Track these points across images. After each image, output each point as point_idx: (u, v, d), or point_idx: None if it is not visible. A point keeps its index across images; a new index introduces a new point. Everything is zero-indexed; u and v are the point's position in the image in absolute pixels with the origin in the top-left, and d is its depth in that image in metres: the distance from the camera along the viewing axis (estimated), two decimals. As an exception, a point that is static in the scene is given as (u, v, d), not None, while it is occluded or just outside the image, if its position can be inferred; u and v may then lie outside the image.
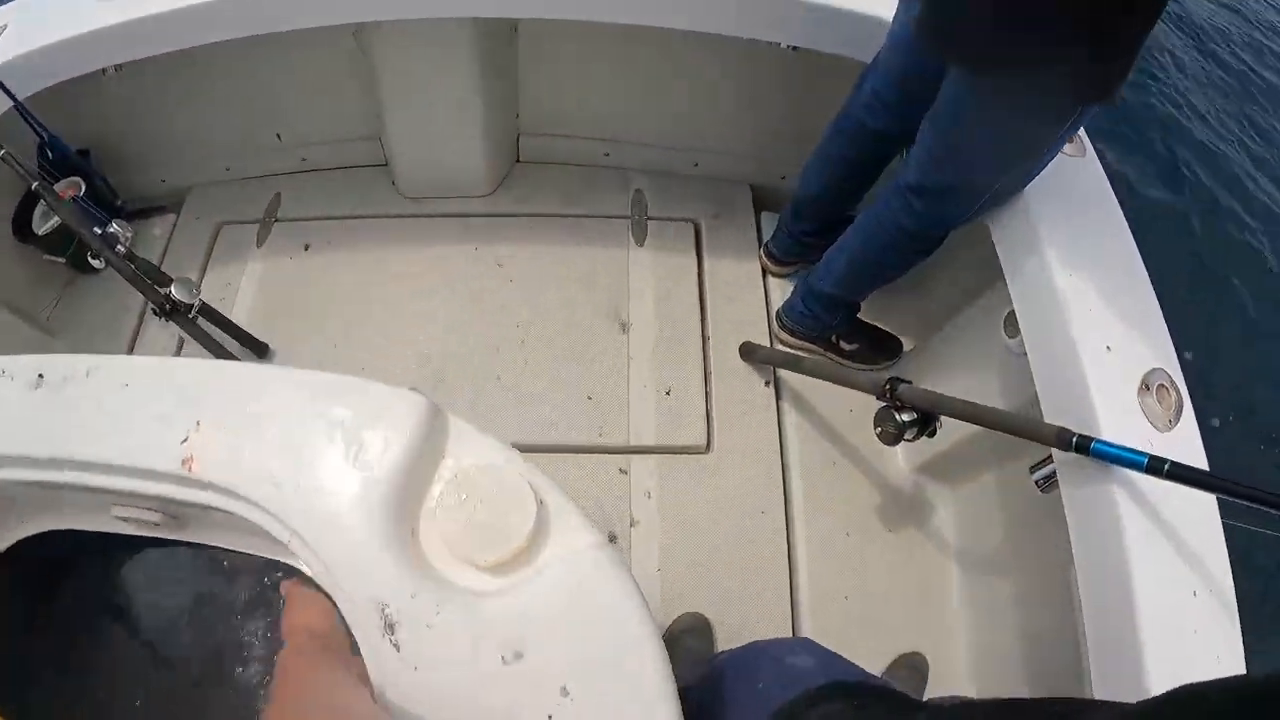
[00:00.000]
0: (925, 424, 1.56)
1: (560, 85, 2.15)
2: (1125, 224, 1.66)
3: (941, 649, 1.87)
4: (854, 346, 2.10)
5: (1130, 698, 1.11)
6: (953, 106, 1.51)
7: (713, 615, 1.78)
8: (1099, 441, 1.23)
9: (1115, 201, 1.69)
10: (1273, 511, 1.09)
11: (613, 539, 1.82)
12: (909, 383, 1.57)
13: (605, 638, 0.75)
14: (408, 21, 1.71)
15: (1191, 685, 0.55)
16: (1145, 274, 1.58)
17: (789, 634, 1.81)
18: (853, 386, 1.73)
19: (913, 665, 1.81)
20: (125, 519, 0.87)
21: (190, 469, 0.79)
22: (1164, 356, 1.47)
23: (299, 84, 2.05)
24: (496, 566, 0.77)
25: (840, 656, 1.14)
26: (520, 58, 2.09)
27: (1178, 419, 1.41)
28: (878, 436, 1.60)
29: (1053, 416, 1.47)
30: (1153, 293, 1.56)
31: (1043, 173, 1.56)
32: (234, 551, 0.88)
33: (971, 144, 1.54)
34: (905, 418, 1.55)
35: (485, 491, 0.80)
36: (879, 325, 2.16)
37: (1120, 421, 1.35)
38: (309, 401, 0.83)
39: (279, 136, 2.18)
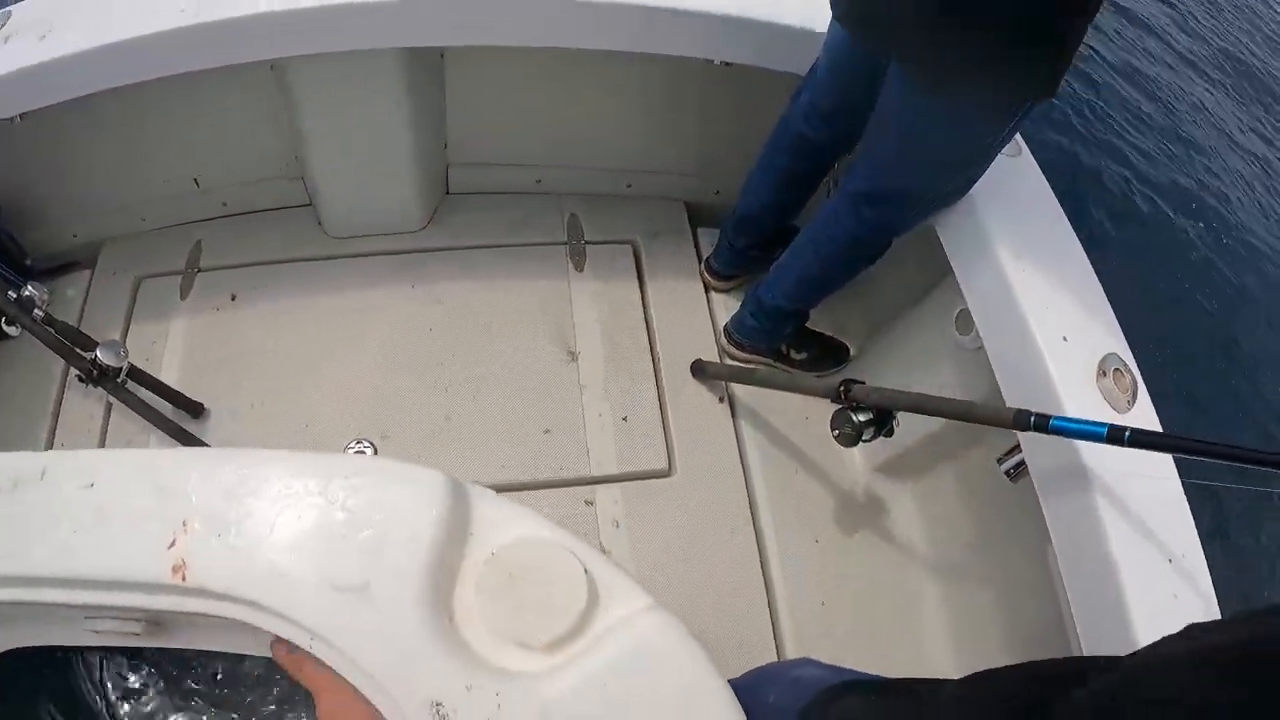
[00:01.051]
0: (882, 422, 1.58)
1: (488, 113, 2.10)
2: (1065, 219, 1.71)
3: (926, 643, 1.90)
4: (804, 355, 2.12)
5: None
6: (896, 112, 1.52)
7: (694, 635, 1.77)
8: (1057, 418, 1.27)
9: (1054, 199, 1.74)
10: (1227, 463, 1.14)
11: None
12: (862, 383, 1.59)
13: (677, 700, 0.74)
14: (327, 55, 1.65)
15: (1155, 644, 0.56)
16: (1089, 265, 1.64)
17: (773, 649, 1.82)
18: (807, 393, 1.74)
19: None
20: (102, 631, 0.79)
21: (183, 577, 0.72)
22: (1117, 342, 1.53)
23: (215, 126, 1.96)
24: (552, 645, 0.73)
25: (845, 668, 1.14)
26: (447, 87, 2.03)
27: (1135, 399, 1.47)
28: (836, 439, 1.61)
29: (1016, 405, 1.51)
30: (1098, 283, 1.62)
31: (990, 178, 1.59)
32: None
33: (917, 149, 1.56)
34: (861, 418, 1.57)
35: (529, 568, 0.76)
36: (825, 332, 2.17)
37: (1082, 406, 1.40)
38: (316, 488, 0.76)
39: (196, 182, 2.08)
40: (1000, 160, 1.60)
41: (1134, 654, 0.56)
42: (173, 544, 0.73)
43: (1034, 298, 1.53)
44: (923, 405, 1.49)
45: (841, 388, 1.58)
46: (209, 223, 2.14)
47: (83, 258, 2.11)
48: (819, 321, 2.14)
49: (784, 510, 1.97)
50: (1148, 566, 1.29)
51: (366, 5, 1.55)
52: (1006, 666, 0.78)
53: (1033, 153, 1.81)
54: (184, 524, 0.74)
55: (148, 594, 0.73)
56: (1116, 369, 1.49)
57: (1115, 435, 1.19)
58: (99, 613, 0.77)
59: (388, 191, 2.08)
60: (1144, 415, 1.46)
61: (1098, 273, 1.64)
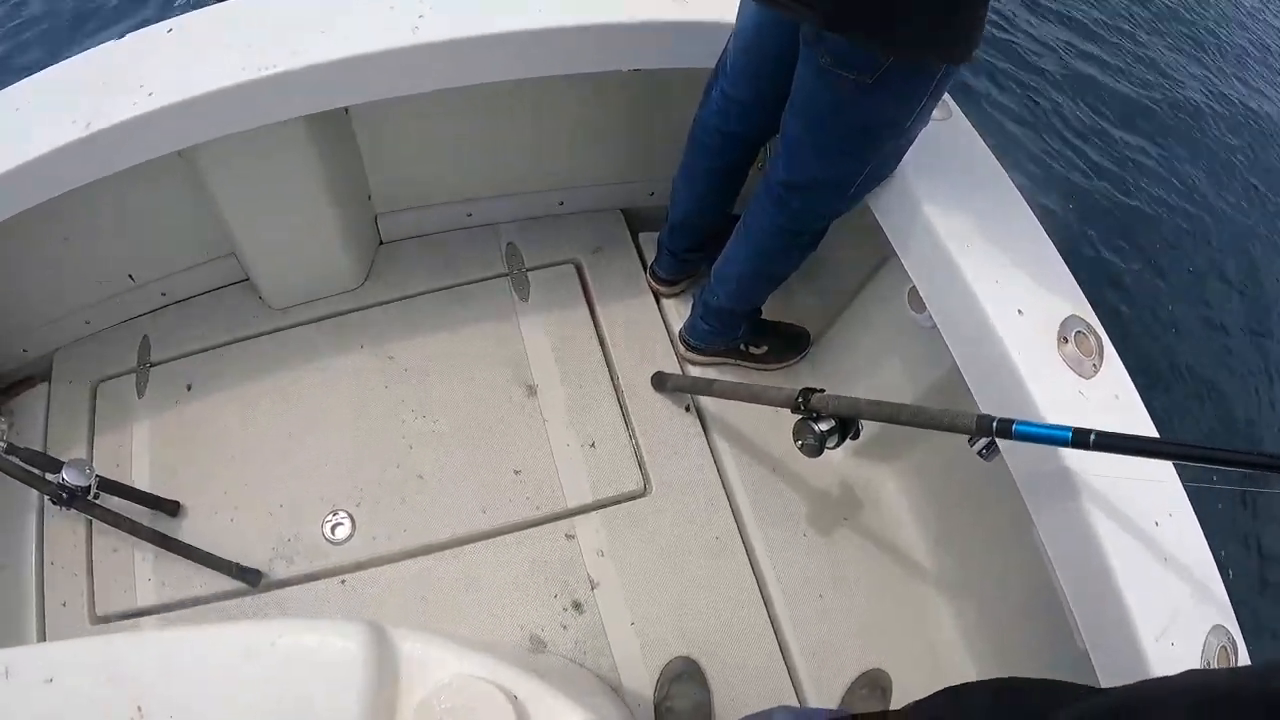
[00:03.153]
0: (845, 429, 1.55)
1: (405, 156, 2.06)
2: (1007, 179, 1.67)
3: (930, 622, 1.93)
4: (764, 349, 2.10)
5: (1119, 642, 1.21)
6: (808, 95, 1.47)
7: (699, 652, 1.80)
8: (1020, 424, 1.24)
9: (993, 159, 1.69)
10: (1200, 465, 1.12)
11: (577, 607, 1.81)
12: (821, 390, 1.57)
13: None
14: (231, 135, 1.62)
15: (1157, 680, 0.56)
16: (1038, 226, 1.61)
17: (777, 653, 1.84)
18: (767, 403, 1.72)
19: (875, 684, 1.85)
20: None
21: None
22: (1076, 303, 1.50)
23: (139, 220, 1.94)
24: None
25: (817, 710, 1.15)
26: (359, 140, 2.00)
27: (1102, 361, 1.45)
28: (800, 450, 1.59)
29: (978, 388, 1.50)
30: (1050, 243, 1.58)
31: (915, 143, 1.54)
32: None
33: (834, 131, 1.51)
34: (823, 427, 1.54)
35: (457, 710, 0.78)
36: (783, 321, 2.15)
37: (1046, 380, 1.39)
38: (253, 659, 0.79)
39: (132, 277, 2.07)
40: (931, 126, 1.55)
41: (1124, 686, 0.56)
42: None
43: (982, 271, 1.49)
44: (883, 414, 1.47)
45: (800, 399, 1.56)
46: (153, 315, 2.14)
47: (38, 371, 2.11)
48: (776, 308, 2.11)
49: (767, 509, 1.97)
50: (1136, 533, 1.29)
51: (257, 82, 1.52)
52: (980, 684, 0.79)
53: (965, 111, 1.76)
54: (138, 709, 0.78)
55: None
56: (1079, 331, 1.46)
57: (1080, 439, 1.16)
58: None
59: (320, 255, 2.06)
60: (1114, 377, 1.45)
61: (1051, 230, 1.60)
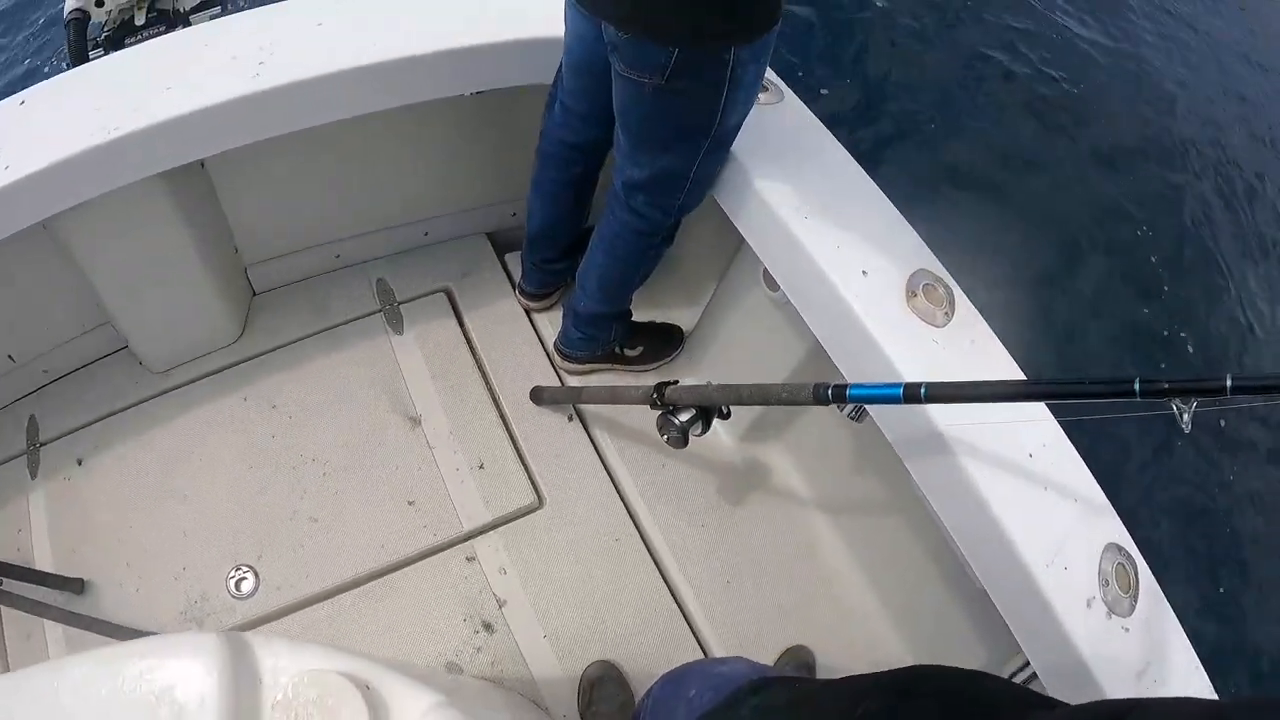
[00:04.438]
0: (706, 416, 1.61)
1: (267, 205, 2.08)
2: (841, 148, 1.73)
3: (838, 591, 2.01)
4: (638, 349, 2.15)
5: (1012, 575, 1.32)
6: (622, 102, 1.53)
7: (616, 654, 1.86)
8: (854, 387, 1.31)
9: (826, 131, 1.75)
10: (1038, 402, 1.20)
11: (488, 627, 1.87)
12: (675, 382, 1.63)
13: None
14: (88, 202, 1.64)
15: (1133, 701, 0.59)
16: (875, 188, 1.67)
17: (693, 643, 1.90)
18: (628, 403, 1.78)
19: (800, 661, 1.92)
20: None
21: None
22: (921, 256, 1.57)
23: (11, 298, 1.94)
24: None
25: (771, 667, 1.19)
26: (219, 193, 2.01)
27: (953, 310, 1.52)
28: (667, 443, 1.65)
29: (837, 354, 1.57)
30: (889, 202, 1.64)
31: (747, 127, 1.59)
32: None
33: (654, 132, 1.57)
34: (684, 418, 1.60)
35: (311, 703, 0.83)
36: (654, 321, 2.20)
37: (899, 337, 1.45)
38: (117, 683, 0.83)
39: (11, 358, 2.08)
40: (760, 111, 1.60)
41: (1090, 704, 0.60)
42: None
43: (822, 239, 1.56)
44: (732, 397, 1.53)
45: (654, 394, 1.62)
46: (37, 394, 2.14)
47: None
48: (646, 309, 2.17)
49: (661, 505, 2.04)
50: (1011, 462, 1.35)
51: (107, 145, 1.53)
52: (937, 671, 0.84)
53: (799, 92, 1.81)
54: None
55: None
56: (927, 284, 1.52)
57: (911, 394, 1.20)
58: None
59: (193, 313, 2.07)
60: (967, 323, 1.51)
61: (892, 190, 1.65)
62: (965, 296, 1.55)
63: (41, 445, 2.09)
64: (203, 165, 1.93)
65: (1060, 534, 1.34)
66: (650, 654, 1.88)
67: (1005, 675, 1.60)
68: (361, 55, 1.63)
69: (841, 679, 0.87)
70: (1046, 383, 1.15)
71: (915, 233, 1.61)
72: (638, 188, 1.68)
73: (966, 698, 0.73)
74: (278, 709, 0.82)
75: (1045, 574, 1.30)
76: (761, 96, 1.70)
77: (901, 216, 1.63)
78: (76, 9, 2.02)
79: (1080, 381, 1.07)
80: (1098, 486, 1.41)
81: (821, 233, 1.56)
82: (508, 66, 1.78)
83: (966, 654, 1.75)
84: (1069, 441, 1.41)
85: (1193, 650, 1.36)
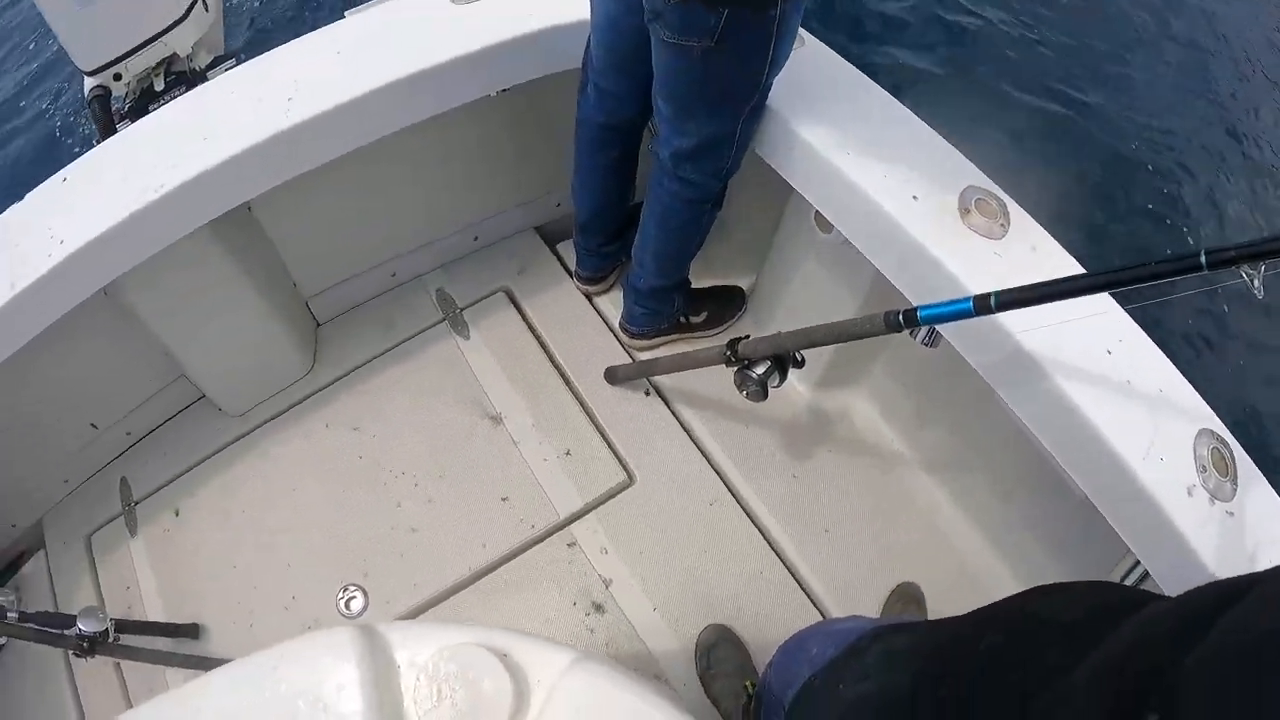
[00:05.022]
0: (782, 365, 1.60)
1: (317, 235, 2.11)
2: (872, 83, 1.72)
3: (931, 522, 1.99)
4: (703, 315, 2.15)
5: (1112, 475, 1.31)
6: (666, 71, 1.53)
7: (728, 616, 1.85)
8: (923, 309, 1.29)
9: (853, 69, 1.75)
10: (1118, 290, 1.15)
11: (599, 608, 1.86)
12: (746, 337, 1.62)
13: None
14: (143, 263, 1.67)
15: (1254, 576, 0.58)
16: (912, 115, 1.65)
17: (802, 597, 1.89)
18: (702, 365, 1.78)
19: (909, 596, 1.89)
20: None
21: None
22: (967, 174, 1.56)
23: (85, 367, 1.98)
24: None
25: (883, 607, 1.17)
26: (268, 232, 2.05)
27: (1009, 219, 1.51)
28: (747, 398, 1.64)
29: (901, 283, 1.56)
30: (926, 126, 1.63)
31: (780, 78, 1.58)
32: None
33: (700, 98, 1.56)
34: (759, 370, 1.59)
35: (452, 677, 0.83)
36: (714, 284, 2.20)
37: (959, 254, 1.44)
38: (260, 691, 0.84)
39: (94, 425, 2.12)
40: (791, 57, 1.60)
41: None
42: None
43: (869, 173, 1.55)
44: (805, 340, 1.52)
45: (728, 351, 1.62)
46: (124, 457, 2.18)
47: (32, 540, 2.16)
48: (704, 275, 2.17)
49: (749, 464, 2.03)
50: (1091, 364, 1.34)
51: (154, 204, 1.56)
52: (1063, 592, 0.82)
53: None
54: None
55: None
56: (979, 199, 1.51)
57: (982, 305, 1.19)
58: None
59: (263, 352, 2.11)
60: (1025, 229, 1.50)
61: (930, 113, 1.64)
62: (1018, 205, 1.54)
63: (136, 504, 2.12)
64: (249, 208, 1.97)
65: (1151, 426, 1.32)
66: (760, 611, 1.87)
67: (1117, 580, 1.57)
68: (383, 74, 1.66)
69: (964, 615, 0.86)
70: (1113, 271, 1.11)
71: (958, 151, 1.60)
72: (685, 157, 1.68)
73: (1084, 609, 0.72)
74: (420, 686, 0.82)
75: (1143, 467, 1.27)
76: None
77: (940, 138, 1.62)
78: (96, 86, 2.09)
79: (1145, 264, 1.05)
80: (1179, 375, 1.38)
81: (867, 167, 1.55)
82: (528, 60, 1.80)
83: (1075, 567, 1.72)
84: (1143, 333, 1.39)
85: None
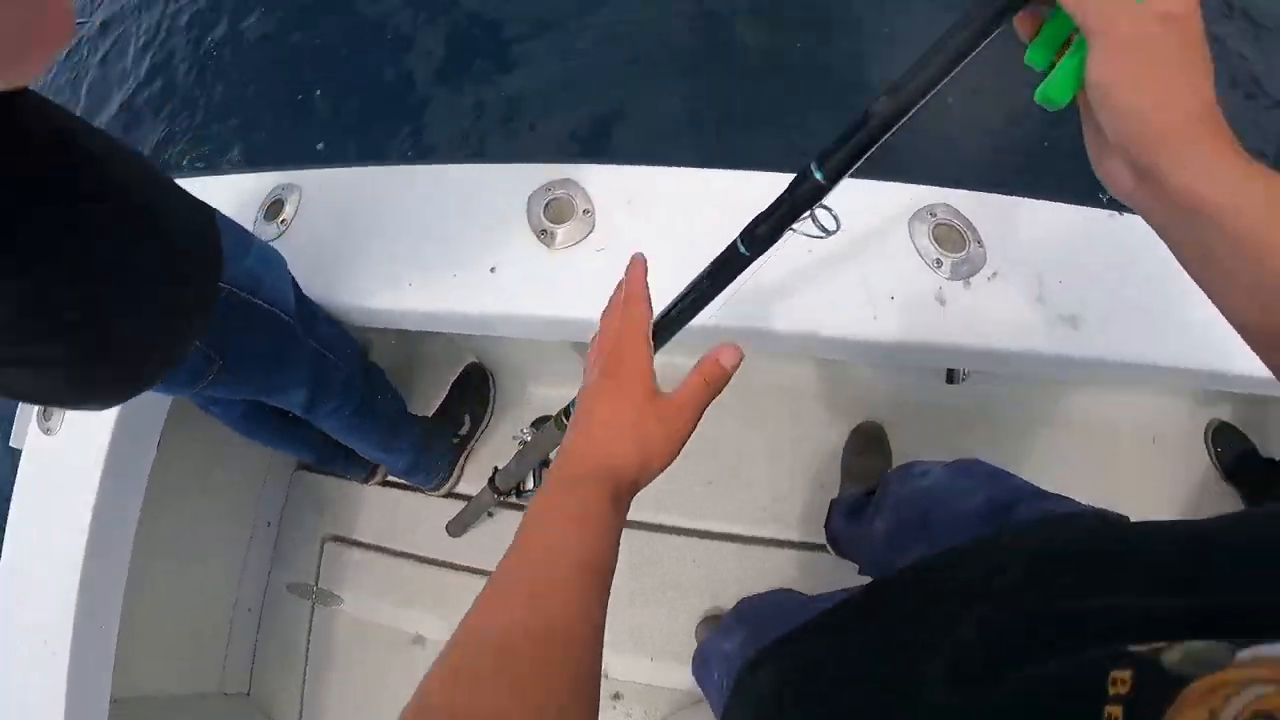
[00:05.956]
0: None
1: None
2: None
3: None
4: (466, 424, 2.17)
5: None
6: None
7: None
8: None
9: None
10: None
11: (617, 696, 1.99)
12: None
13: None
14: None
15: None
16: None
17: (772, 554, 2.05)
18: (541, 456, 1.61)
19: (870, 436, 2.08)
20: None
21: None
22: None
23: None
24: None
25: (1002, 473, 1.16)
26: None
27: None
28: None
29: None
30: None
31: None
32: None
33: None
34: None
35: None
36: (444, 393, 2.20)
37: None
38: None
39: None
40: None
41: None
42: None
43: None
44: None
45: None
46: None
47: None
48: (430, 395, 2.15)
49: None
50: None
51: None
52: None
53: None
54: None
55: None
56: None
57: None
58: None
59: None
60: None
61: None
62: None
63: None
64: None
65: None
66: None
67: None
68: None
69: (971, 546, 0.86)
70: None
71: None
72: (305, 408, 1.63)
73: (1102, 544, 0.70)
74: None
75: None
76: None
77: None
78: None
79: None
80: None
81: None
82: None
83: None
84: None
85: None
